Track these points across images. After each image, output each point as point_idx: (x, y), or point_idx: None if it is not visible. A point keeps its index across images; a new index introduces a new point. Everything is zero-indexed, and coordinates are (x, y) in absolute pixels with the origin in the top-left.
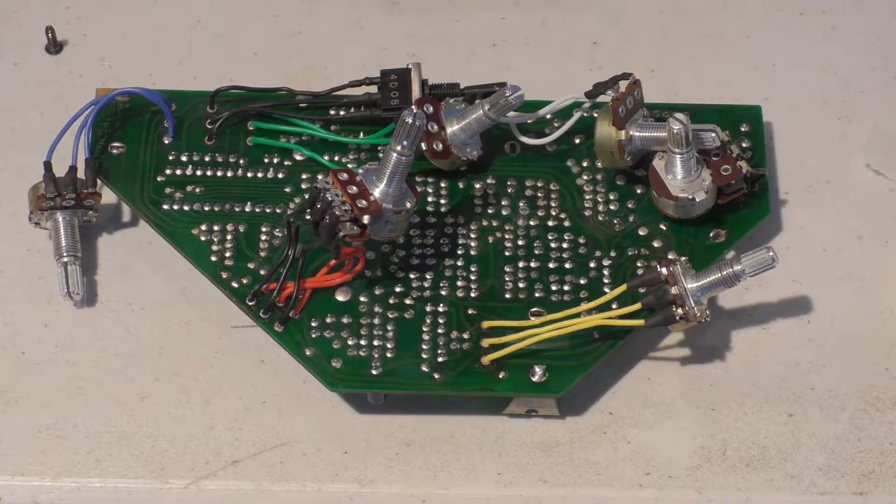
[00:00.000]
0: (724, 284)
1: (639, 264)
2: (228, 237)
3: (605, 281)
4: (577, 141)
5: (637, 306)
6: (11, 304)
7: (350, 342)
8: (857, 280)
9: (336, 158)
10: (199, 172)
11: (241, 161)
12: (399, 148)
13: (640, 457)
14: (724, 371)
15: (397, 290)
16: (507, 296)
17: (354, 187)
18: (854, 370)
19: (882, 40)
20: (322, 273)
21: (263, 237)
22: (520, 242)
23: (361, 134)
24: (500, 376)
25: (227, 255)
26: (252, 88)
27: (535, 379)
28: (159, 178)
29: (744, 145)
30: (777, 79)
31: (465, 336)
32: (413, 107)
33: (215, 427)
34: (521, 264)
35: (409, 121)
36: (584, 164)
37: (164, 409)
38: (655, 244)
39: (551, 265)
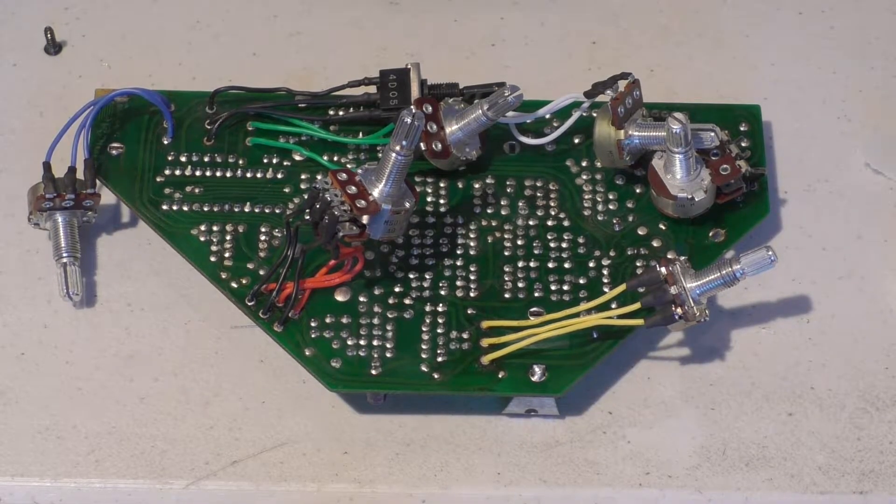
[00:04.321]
0: (724, 284)
1: (638, 264)
2: (228, 237)
3: (605, 281)
4: (577, 141)
5: (636, 306)
6: (11, 304)
7: (349, 342)
8: (857, 280)
9: (335, 158)
10: (198, 173)
11: (241, 161)
12: (398, 148)
13: (639, 456)
14: (724, 371)
15: (397, 290)
16: (507, 296)
17: (353, 187)
18: (854, 370)
19: (882, 40)
20: (321, 273)
21: (263, 237)
22: (519, 242)
23: (360, 134)
24: (500, 376)
25: (227, 255)
26: (251, 89)
27: (534, 379)
28: (158, 179)
29: (743, 145)
30: (776, 78)
31: (465, 336)
32: (412, 107)
33: (215, 427)
34: (520, 264)
35: (408, 121)
36: (584, 163)
37: (163, 409)
38: (655, 244)
39: (550, 265)
